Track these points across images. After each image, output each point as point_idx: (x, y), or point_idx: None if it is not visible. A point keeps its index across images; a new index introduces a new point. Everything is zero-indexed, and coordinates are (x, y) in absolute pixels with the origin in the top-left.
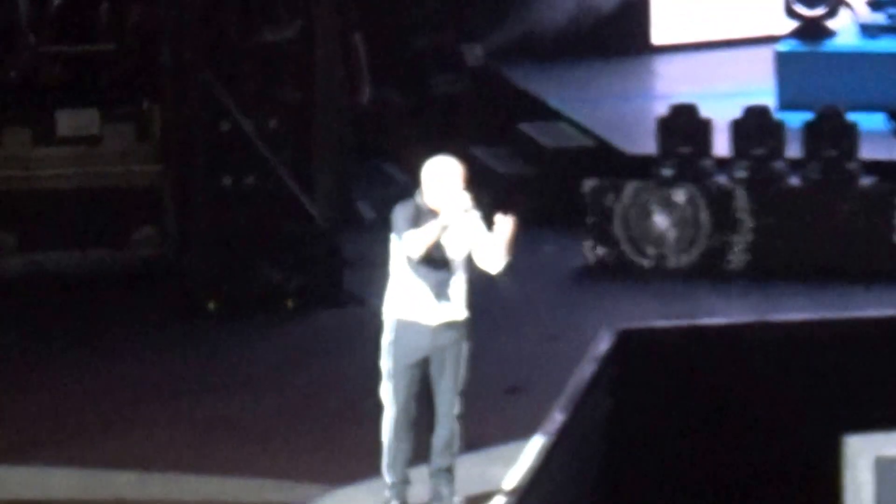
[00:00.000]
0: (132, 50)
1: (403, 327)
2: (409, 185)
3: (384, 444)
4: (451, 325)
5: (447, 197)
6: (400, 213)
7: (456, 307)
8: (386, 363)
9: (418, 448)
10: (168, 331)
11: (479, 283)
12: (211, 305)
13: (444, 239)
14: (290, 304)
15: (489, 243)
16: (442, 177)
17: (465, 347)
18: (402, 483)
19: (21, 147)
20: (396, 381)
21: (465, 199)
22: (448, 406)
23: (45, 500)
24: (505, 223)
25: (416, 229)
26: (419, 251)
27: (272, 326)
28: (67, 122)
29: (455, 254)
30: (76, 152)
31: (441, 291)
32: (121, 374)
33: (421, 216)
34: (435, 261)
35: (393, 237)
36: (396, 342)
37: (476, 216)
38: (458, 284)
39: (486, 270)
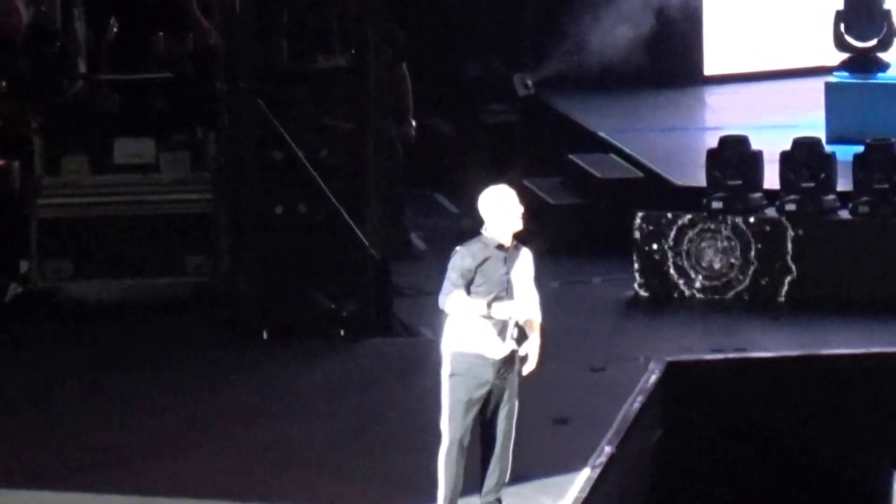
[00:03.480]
0: (188, 79)
1: (467, 360)
2: (460, 216)
3: (440, 475)
4: (511, 358)
5: (507, 224)
6: (456, 261)
7: (516, 341)
8: (446, 395)
9: (466, 478)
10: (221, 358)
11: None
12: (264, 335)
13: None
14: (341, 332)
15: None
16: (499, 205)
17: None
18: None
19: (79, 174)
20: (456, 413)
21: (514, 309)
22: (506, 437)
23: None
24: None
25: (462, 293)
26: (465, 315)
27: (324, 354)
28: (124, 150)
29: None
30: (132, 180)
31: (504, 329)
32: (173, 401)
33: (486, 253)
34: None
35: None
36: (460, 375)
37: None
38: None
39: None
